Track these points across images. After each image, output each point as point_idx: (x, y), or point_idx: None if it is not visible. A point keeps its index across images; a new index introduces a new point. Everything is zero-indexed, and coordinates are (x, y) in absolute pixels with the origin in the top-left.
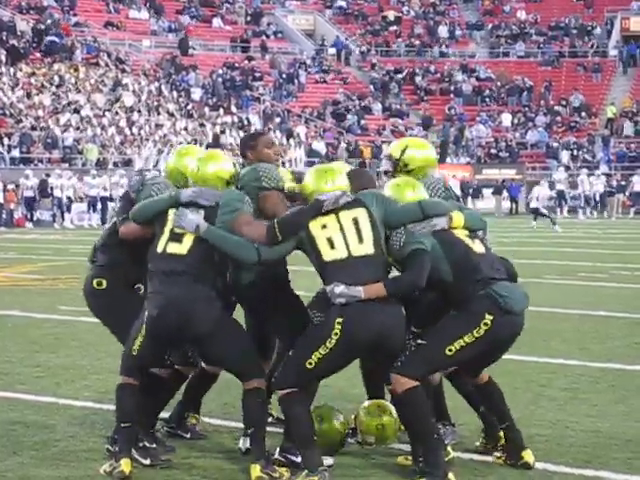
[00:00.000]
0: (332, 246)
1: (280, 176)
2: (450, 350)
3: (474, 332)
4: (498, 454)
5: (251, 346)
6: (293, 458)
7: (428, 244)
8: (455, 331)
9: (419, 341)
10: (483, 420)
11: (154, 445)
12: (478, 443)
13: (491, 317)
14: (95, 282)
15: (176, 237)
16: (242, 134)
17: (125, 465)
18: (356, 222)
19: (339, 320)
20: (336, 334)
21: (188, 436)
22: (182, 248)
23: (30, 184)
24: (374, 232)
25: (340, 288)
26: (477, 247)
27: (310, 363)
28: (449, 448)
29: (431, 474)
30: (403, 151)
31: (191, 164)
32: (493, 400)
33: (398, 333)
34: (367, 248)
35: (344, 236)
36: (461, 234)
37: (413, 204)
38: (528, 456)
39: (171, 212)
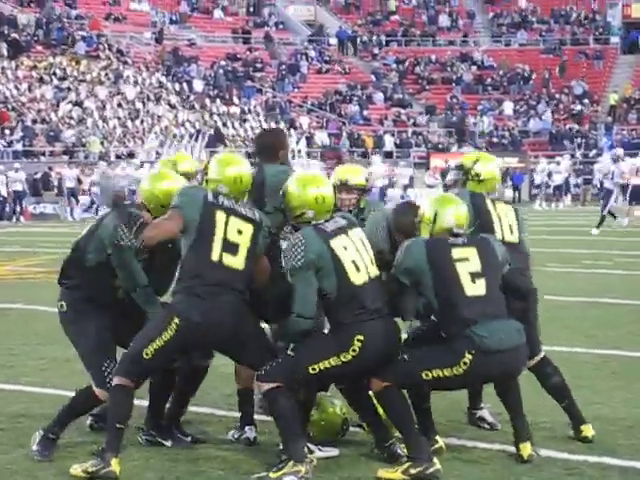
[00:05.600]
0: (357, 269)
1: None
2: (427, 375)
3: (453, 369)
4: None
5: None
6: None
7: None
8: (436, 361)
9: (405, 356)
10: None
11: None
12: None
13: (470, 357)
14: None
15: (231, 248)
16: (244, 125)
17: (116, 465)
18: (363, 242)
19: (360, 337)
20: (354, 350)
21: (169, 444)
22: (238, 262)
23: (18, 177)
24: (372, 252)
25: None
26: (475, 289)
27: (314, 369)
28: (437, 437)
29: (416, 459)
30: (475, 162)
31: (143, 182)
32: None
33: (399, 348)
34: (375, 269)
35: (362, 258)
36: (464, 271)
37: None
38: (525, 450)
39: (220, 216)
